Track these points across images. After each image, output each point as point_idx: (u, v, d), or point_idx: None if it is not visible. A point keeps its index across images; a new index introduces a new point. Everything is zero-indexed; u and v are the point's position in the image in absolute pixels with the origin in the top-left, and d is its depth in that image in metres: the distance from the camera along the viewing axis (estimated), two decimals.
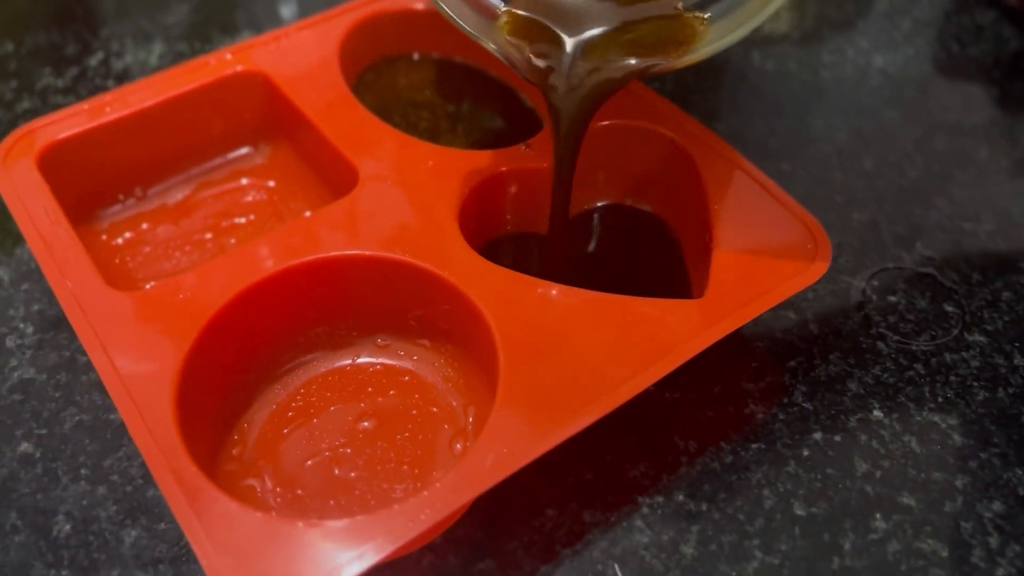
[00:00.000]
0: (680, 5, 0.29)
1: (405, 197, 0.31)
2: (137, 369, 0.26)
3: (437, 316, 0.30)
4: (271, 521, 0.23)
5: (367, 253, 0.29)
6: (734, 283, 0.28)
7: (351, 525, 0.23)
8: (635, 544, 0.27)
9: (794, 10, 0.46)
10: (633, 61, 0.28)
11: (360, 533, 0.23)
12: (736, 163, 0.32)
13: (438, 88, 0.39)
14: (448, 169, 0.32)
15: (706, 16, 0.28)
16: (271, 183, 0.36)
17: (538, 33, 0.29)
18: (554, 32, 0.29)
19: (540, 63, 0.29)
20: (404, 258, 0.29)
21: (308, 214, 0.35)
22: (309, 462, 0.28)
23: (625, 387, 0.26)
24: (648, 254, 0.33)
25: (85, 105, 0.34)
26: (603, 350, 0.27)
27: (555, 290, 0.28)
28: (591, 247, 0.34)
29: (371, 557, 0.22)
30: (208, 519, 0.23)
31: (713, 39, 0.28)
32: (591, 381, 0.26)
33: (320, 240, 0.29)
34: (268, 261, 0.29)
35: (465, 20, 0.30)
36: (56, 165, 0.33)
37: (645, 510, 0.27)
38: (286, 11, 0.47)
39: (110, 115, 0.34)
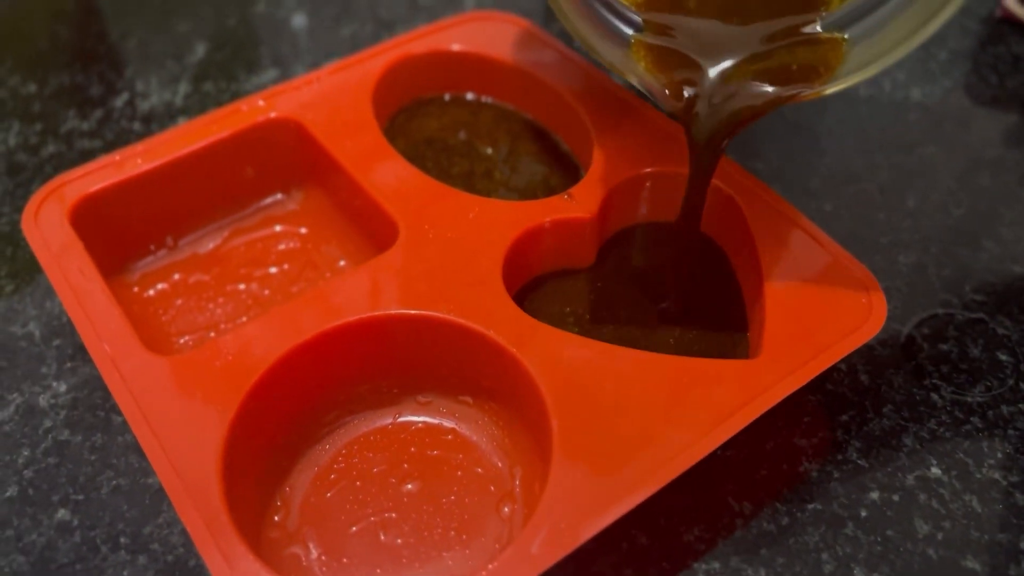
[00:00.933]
0: (819, 27, 0.28)
1: (447, 251, 0.30)
2: (180, 437, 0.25)
3: (481, 374, 0.29)
4: None
5: (411, 312, 0.28)
6: (790, 342, 0.27)
7: None
8: None
9: None
10: (772, 89, 0.27)
11: None
12: (785, 213, 0.31)
13: (471, 130, 0.38)
14: (490, 221, 0.31)
15: (846, 37, 0.27)
16: (303, 230, 0.36)
17: (675, 61, 0.29)
18: (692, 59, 0.28)
19: (684, 92, 0.28)
20: (449, 317, 0.28)
21: (343, 263, 0.34)
22: (354, 528, 0.27)
23: (685, 454, 0.25)
24: (701, 273, 0.33)
25: (116, 156, 0.33)
26: (659, 414, 0.26)
27: (605, 350, 0.27)
28: (642, 262, 0.33)
29: None
30: None
31: (855, 66, 0.27)
32: (648, 447, 0.25)
33: (362, 298, 0.29)
34: (310, 322, 0.28)
35: (602, 51, 0.29)
36: (88, 218, 0.32)
37: None
38: (307, 47, 0.46)
39: (142, 166, 0.33)
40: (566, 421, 0.26)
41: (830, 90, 0.27)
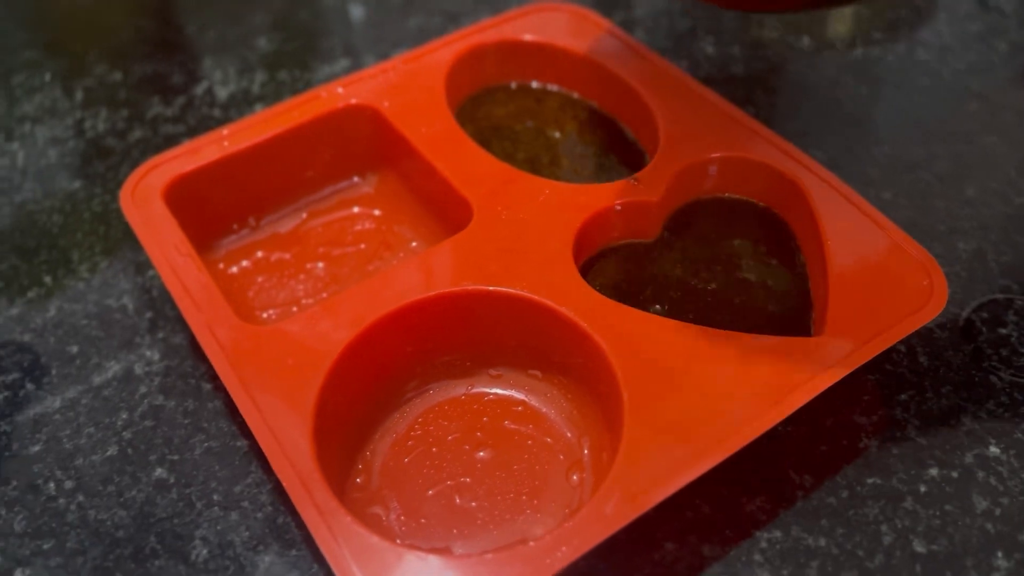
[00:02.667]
0: None
1: (519, 231, 0.31)
2: (273, 400, 0.27)
3: (551, 349, 0.30)
4: (408, 553, 0.24)
5: (486, 289, 0.30)
6: (853, 321, 0.28)
7: (494, 560, 0.24)
8: None
9: (886, 31, 0.46)
10: None
11: (498, 570, 0.23)
12: (848, 197, 0.32)
13: (537, 117, 0.39)
14: (560, 203, 0.32)
15: None
16: (378, 212, 0.37)
17: None
18: None
19: None
20: (522, 293, 0.30)
21: (416, 244, 0.36)
22: (431, 491, 0.29)
23: (750, 427, 0.26)
24: (767, 249, 0.33)
25: (204, 139, 0.35)
26: (725, 387, 0.27)
27: (672, 325, 0.29)
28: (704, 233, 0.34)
29: None
30: (349, 549, 0.24)
31: None
32: (715, 418, 0.26)
33: (439, 275, 0.30)
34: (392, 296, 0.30)
35: None
36: (179, 197, 0.34)
37: (763, 544, 0.28)
38: (376, 38, 0.48)
39: (228, 149, 0.35)
40: (636, 393, 0.27)
41: None
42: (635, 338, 0.28)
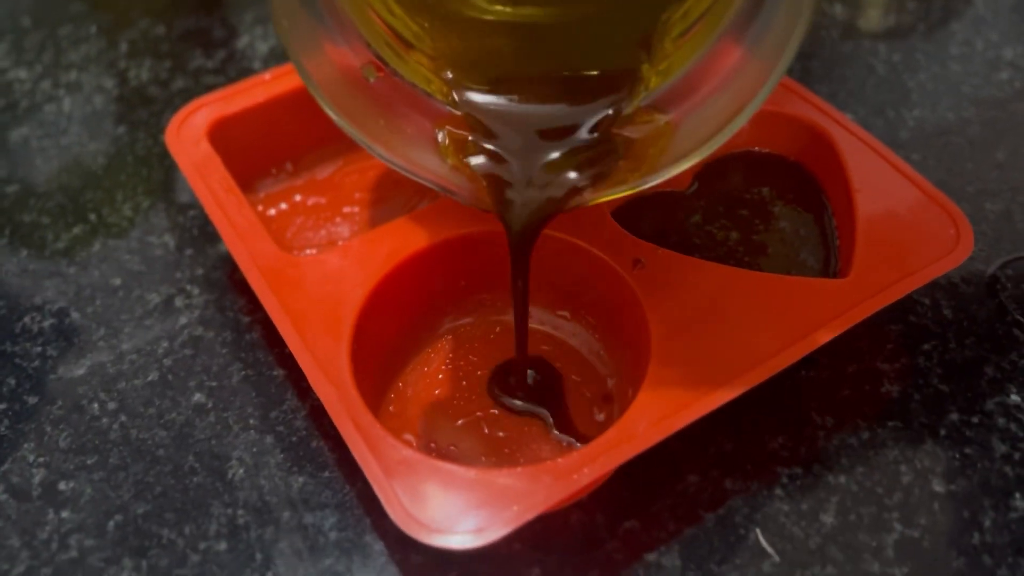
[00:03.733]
0: (643, 103, 0.26)
1: None
2: (313, 327, 0.28)
3: (582, 289, 0.31)
4: (442, 465, 0.25)
5: None
6: (879, 264, 0.29)
7: (521, 475, 0.24)
8: (776, 511, 0.28)
9: (919, 1, 0.46)
10: (590, 187, 0.26)
11: (529, 485, 0.24)
12: (877, 149, 0.32)
13: None
14: None
15: (669, 117, 0.26)
16: None
17: (487, 154, 0.27)
18: (503, 156, 0.27)
19: (498, 189, 0.26)
20: (555, 233, 0.30)
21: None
22: (460, 421, 0.30)
23: (775, 360, 0.27)
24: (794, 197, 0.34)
25: (248, 83, 0.36)
26: (751, 325, 0.28)
27: (701, 265, 0.29)
28: (735, 187, 0.34)
29: (538, 507, 0.24)
30: (384, 462, 0.25)
31: (681, 151, 0.25)
32: (740, 354, 0.27)
33: (474, 215, 0.31)
34: (429, 232, 0.30)
35: (394, 146, 0.27)
36: (222, 138, 0.35)
37: (784, 479, 0.28)
38: None
39: (272, 92, 0.36)
40: (663, 327, 0.28)
41: (653, 182, 0.25)
42: (664, 277, 0.29)
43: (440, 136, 0.28)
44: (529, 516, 0.24)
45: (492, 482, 0.24)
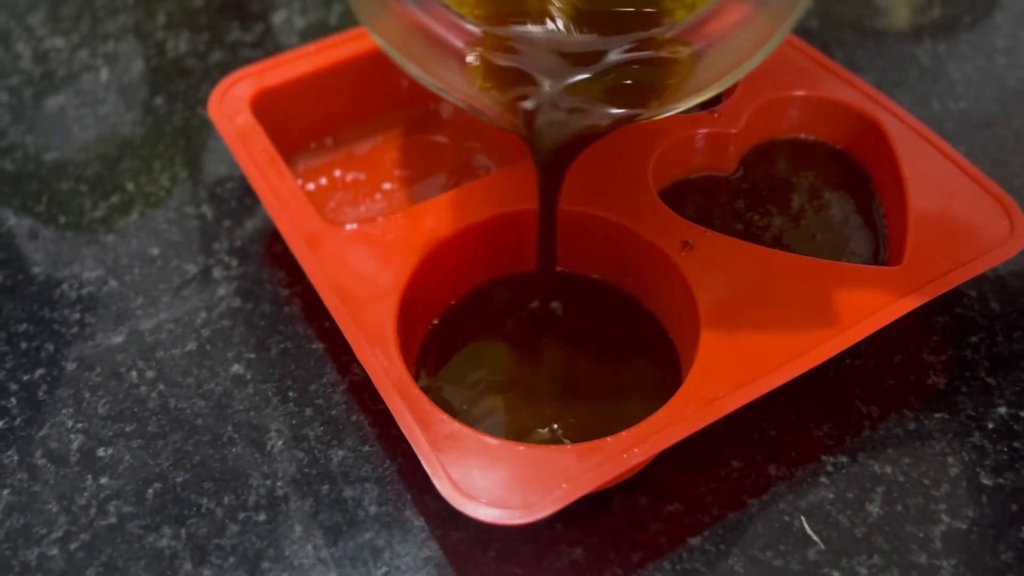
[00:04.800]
0: (668, 34, 0.26)
1: (598, 156, 0.32)
2: (357, 298, 0.28)
3: (627, 269, 0.31)
4: (489, 440, 0.24)
5: (567, 208, 0.30)
6: (931, 254, 0.29)
7: (571, 452, 0.24)
8: (821, 499, 0.27)
9: None
10: (615, 108, 0.26)
11: (579, 462, 0.24)
12: (929, 137, 0.32)
13: None
14: (639, 130, 0.32)
15: (693, 49, 0.26)
16: (455, 137, 0.38)
17: (515, 78, 0.27)
18: (532, 76, 0.26)
19: (524, 106, 0.26)
20: (602, 213, 0.30)
21: (493, 170, 0.36)
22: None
23: (826, 346, 0.26)
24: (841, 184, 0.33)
25: (291, 54, 0.36)
26: (802, 310, 0.27)
27: (750, 249, 0.29)
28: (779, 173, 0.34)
29: (587, 485, 0.24)
30: (434, 439, 0.25)
31: (701, 82, 0.25)
32: (790, 339, 0.27)
33: (521, 192, 0.31)
34: (475, 208, 0.30)
35: (428, 66, 0.27)
36: (265, 109, 0.35)
37: (829, 468, 0.28)
38: None
39: (315, 64, 0.36)
40: (711, 310, 0.27)
41: (677, 109, 0.25)
42: (713, 259, 0.29)
43: (470, 57, 0.27)
44: (579, 494, 0.23)
45: (541, 458, 0.24)
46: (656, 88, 0.26)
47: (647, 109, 0.26)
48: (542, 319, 0.30)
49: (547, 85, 0.26)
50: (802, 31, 0.43)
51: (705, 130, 0.33)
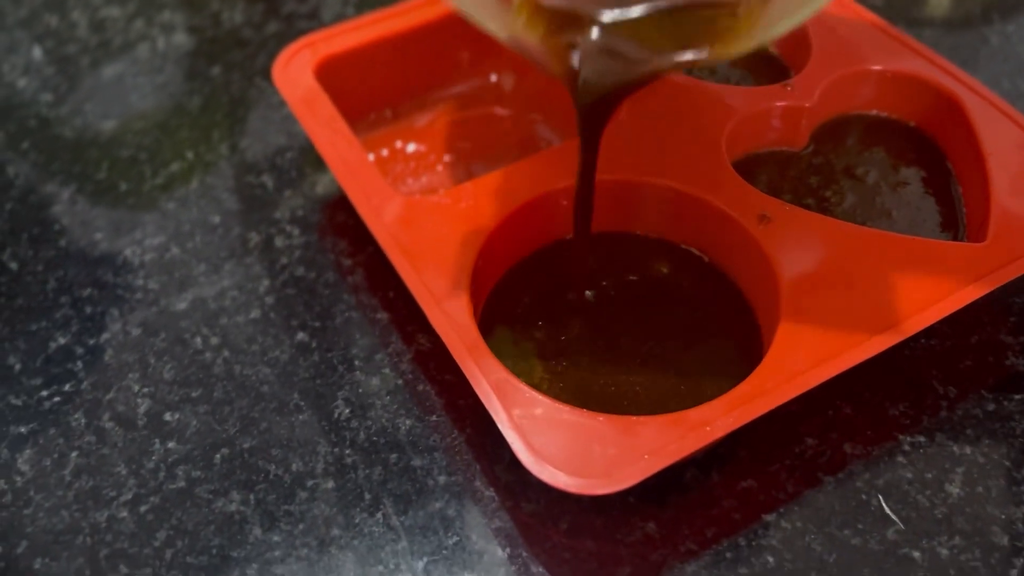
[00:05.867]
0: None
1: (671, 128, 0.31)
2: (431, 268, 0.28)
3: (701, 242, 0.30)
4: (571, 413, 0.24)
5: (642, 179, 0.30)
6: (1015, 232, 0.28)
7: (652, 424, 0.24)
8: (898, 479, 0.27)
9: None
10: (668, 52, 0.24)
11: (661, 434, 0.23)
12: (1010, 116, 0.31)
13: None
14: (712, 103, 0.32)
15: None
16: (516, 110, 0.38)
17: (563, 20, 0.25)
18: (581, 17, 0.25)
19: (571, 52, 0.25)
20: (677, 185, 0.29)
21: (555, 143, 0.36)
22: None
23: (909, 322, 0.26)
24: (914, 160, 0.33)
25: (354, 23, 0.36)
26: (883, 286, 0.27)
27: (829, 223, 0.28)
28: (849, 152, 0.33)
29: (670, 456, 0.23)
30: (512, 408, 0.24)
31: (763, 26, 0.24)
32: (872, 315, 0.26)
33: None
34: (547, 178, 0.30)
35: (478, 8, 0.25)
36: (329, 78, 0.34)
37: (907, 447, 0.28)
38: None
39: (377, 32, 0.35)
40: (792, 286, 0.27)
41: (728, 55, 0.24)
42: (791, 233, 0.28)
43: None
44: (662, 465, 0.23)
45: (623, 428, 0.24)
46: (714, 30, 0.25)
47: (704, 53, 0.24)
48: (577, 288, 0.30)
49: (598, 28, 0.25)
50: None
51: (778, 103, 0.32)
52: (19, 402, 0.30)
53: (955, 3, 0.43)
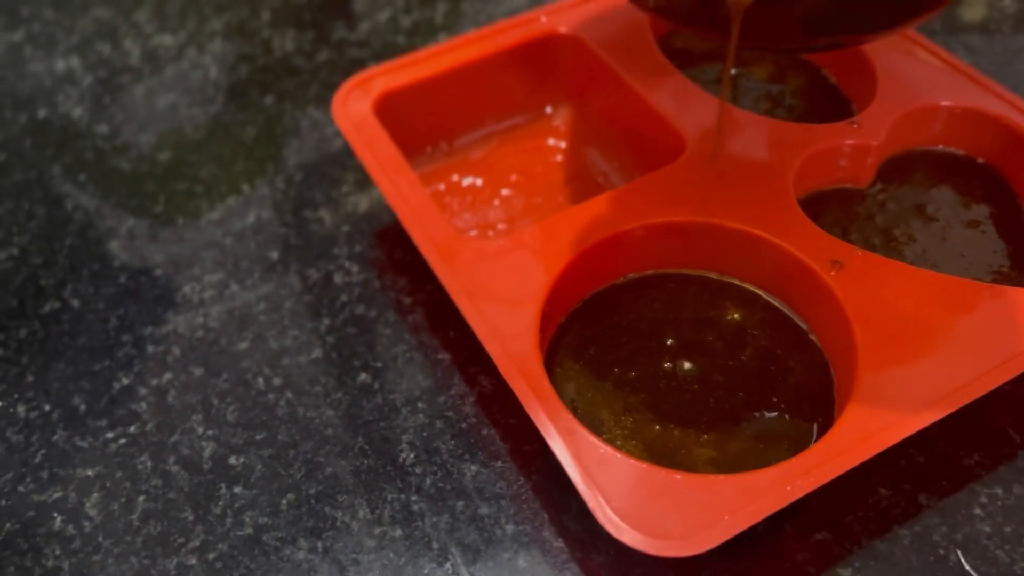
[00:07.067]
0: None
1: (738, 167, 0.31)
2: (497, 311, 0.27)
3: (770, 284, 0.30)
4: (648, 469, 0.24)
5: (712, 221, 0.29)
6: None
7: (730, 482, 0.23)
8: (976, 532, 0.26)
9: None
10: None
11: (741, 494, 0.23)
12: None
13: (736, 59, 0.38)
14: (778, 141, 0.32)
15: None
16: (570, 143, 0.37)
17: None
18: None
19: None
20: (747, 228, 0.29)
21: (613, 176, 0.36)
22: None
23: (991, 376, 0.25)
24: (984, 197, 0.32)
25: (410, 57, 0.35)
26: (962, 335, 0.26)
27: (905, 270, 0.28)
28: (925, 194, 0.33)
29: (750, 518, 0.23)
30: (586, 463, 0.24)
31: None
32: (951, 368, 0.26)
33: (657, 203, 0.30)
34: (612, 219, 0.29)
35: None
36: (387, 113, 0.34)
37: (984, 499, 0.27)
38: None
39: (436, 68, 0.35)
40: (869, 337, 0.26)
41: None
42: (866, 281, 0.28)
43: None
44: (742, 527, 0.23)
45: (701, 487, 0.23)
46: None
47: None
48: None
49: None
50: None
51: (846, 142, 0.31)
52: (85, 444, 0.30)
53: (1014, 27, 0.42)
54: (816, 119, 0.35)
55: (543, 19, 0.37)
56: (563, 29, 0.36)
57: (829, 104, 0.36)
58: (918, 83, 0.33)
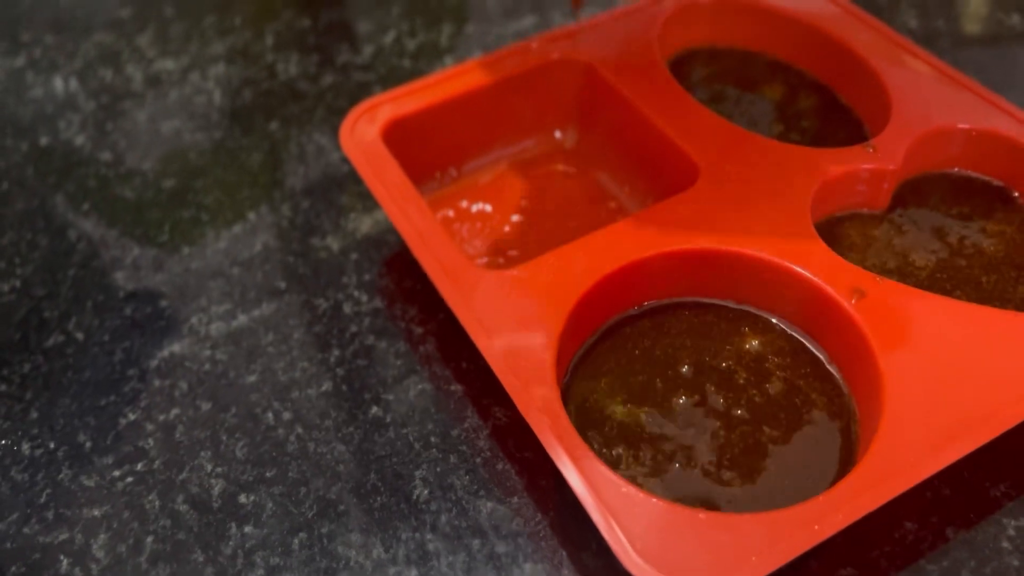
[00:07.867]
0: None
1: (753, 193, 0.30)
2: (511, 343, 0.27)
3: (787, 312, 0.29)
4: (672, 509, 0.23)
5: (730, 248, 0.29)
6: None
7: (756, 521, 0.23)
8: (1006, 567, 0.26)
9: None
10: None
11: (768, 533, 0.23)
12: None
13: (742, 81, 0.38)
14: (793, 166, 0.31)
15: None
16: (579, 167, 0.37)
17: None
18: None
19: None
20: (764, 255, 0.29)
21: (621, 199, 0.35)
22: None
23: (1017, 409, 0.25)
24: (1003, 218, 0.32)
25: (418, 84, 0.35)
26: (989, 367, 0.26)
27: (931, 300, 0.27)
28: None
29: (778, 559, 0.22)
30: (608, 502, 0.23)
31: None
32: (978, 400, 0.25)
33: (672, 231, 0.29)
34: (628, 248, 0.29)
35: None
36: (395, 140, 0.34)
37: (1011, 532, 0.26)
38: None
39: (444, 94, 0.35)
40: (895, 368, 0.26)
41: None
42: (889, 311, 0.27)
43: None
44: (771, 568, 0.22)
45: (727, 527, 0.23)
46: None
47: None
48: None
49: None
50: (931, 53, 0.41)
51: (862, 166, 0.31)
52: (91, 483, 0.29)
53: (1020, 47, 0.42)
54: (829, 141, 0.35)
55: (551, 44, 0.36)
56: (572, 54, 0.36)
57: (843, 126, 0.36)
58: (931, 104, 0.33)
